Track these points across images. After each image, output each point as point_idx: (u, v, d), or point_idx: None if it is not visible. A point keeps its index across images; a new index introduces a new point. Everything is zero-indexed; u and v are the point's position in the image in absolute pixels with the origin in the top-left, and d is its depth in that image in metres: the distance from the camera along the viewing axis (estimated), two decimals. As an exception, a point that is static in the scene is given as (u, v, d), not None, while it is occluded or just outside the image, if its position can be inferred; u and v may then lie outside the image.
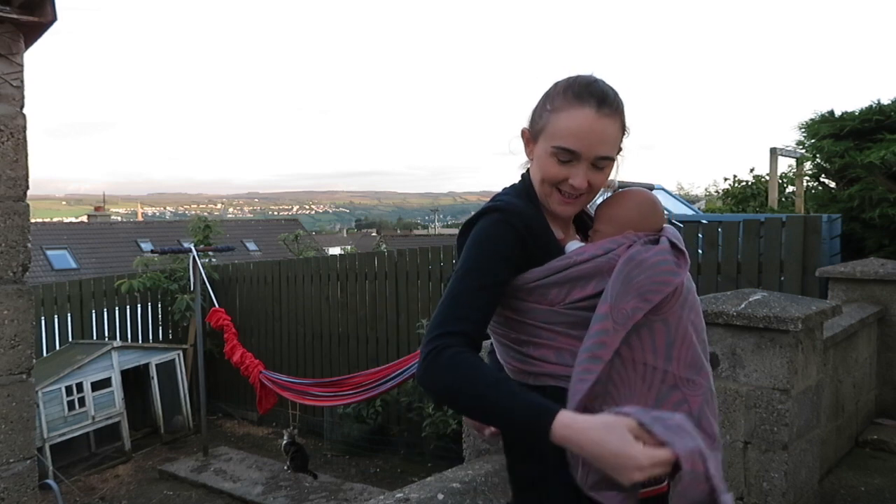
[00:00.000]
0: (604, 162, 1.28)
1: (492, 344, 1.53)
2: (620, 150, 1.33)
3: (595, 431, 1.07)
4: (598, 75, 1.32)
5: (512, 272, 1.26)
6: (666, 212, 1.51)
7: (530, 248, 1.26)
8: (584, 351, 1.22)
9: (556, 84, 1.32)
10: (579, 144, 1.25)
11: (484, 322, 1.23)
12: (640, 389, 1.24)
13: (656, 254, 1.26)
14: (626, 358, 1.23)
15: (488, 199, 1.35)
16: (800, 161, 8.30)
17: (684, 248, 1.31)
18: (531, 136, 1.34)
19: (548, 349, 1.28)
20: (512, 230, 1.25)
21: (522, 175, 1.41)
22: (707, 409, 1.28)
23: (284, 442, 6.44)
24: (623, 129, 1.31)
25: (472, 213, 1.34)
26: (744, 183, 10.02)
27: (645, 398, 1.23)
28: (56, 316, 8.15)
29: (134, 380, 7.61)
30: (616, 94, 1.29)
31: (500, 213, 1.27)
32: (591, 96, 1.25)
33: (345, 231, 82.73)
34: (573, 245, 1.35)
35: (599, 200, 1.42)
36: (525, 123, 1.39)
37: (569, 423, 1.08)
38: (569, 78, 1.31)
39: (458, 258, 1.31)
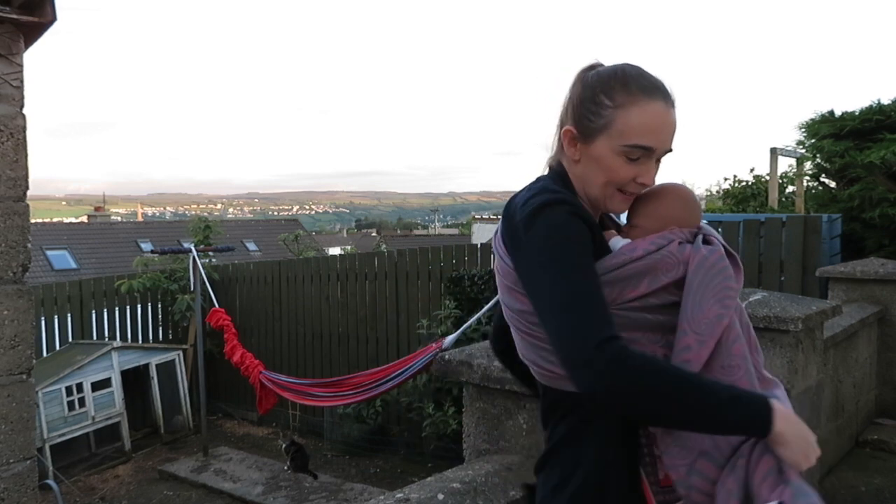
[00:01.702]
0: (665, 154, 1.24)
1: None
2: None
3: (799, 421, 1.12)
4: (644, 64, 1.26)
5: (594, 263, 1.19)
6: None
7: (598, 243, 1.20)
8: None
9: (603, 78, 1.22)
10: (656, 140, 1.19)
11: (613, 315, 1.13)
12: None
13: (721, 258, 1.21)
14: (730, 366, 1.18)
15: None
16: (800, 161, 8.30)
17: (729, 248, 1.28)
18: (580, 136, 1.23)
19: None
20: (584, 223, 1.15)
21: (552, 168, 1.31)
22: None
23: (284, 444, 6.45)
24: None
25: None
26: (744, 183, 10.02)
27: None
28: (56, 316, 8.15)
29: (134, 380, 7.61)
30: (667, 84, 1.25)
31: (568, 205, 1.15)
32: (656, 89, 1.20)
33: (345, 231, 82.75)
34: (619, 241, 1.27)
35: None
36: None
37: (780, 407, 1.10)
38: (615, 70, 1.22)
39: (510, 250, 1.20)
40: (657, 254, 1.19)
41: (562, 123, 1.29)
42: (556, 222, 1.13)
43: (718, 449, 1.14)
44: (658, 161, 1.24)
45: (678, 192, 1.33)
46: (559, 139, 1.29)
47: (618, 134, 1.19)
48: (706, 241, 1.26)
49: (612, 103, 1.19)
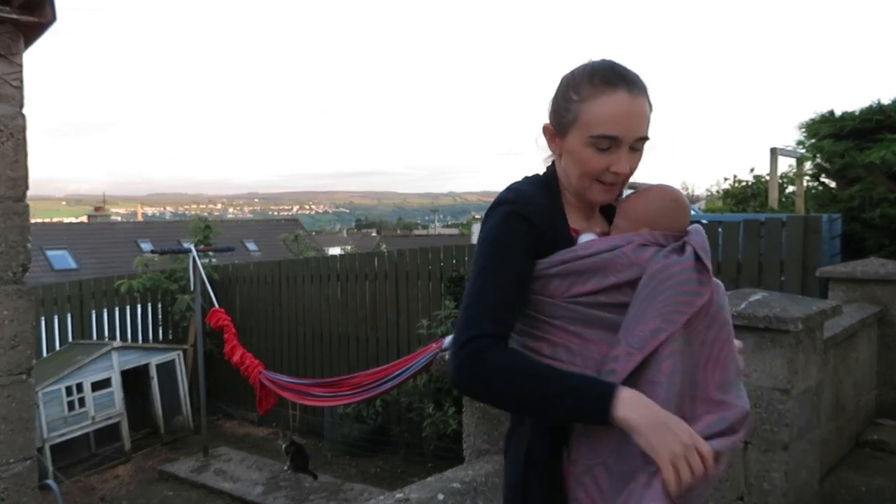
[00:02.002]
0: (640, 143, 1.26)
1: None
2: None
3: (661, 412, 1.09)
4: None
5: (531, 263, 1.23)
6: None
7: (540, 238, 1.24)
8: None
9: (573, 74, 1.29)
10: (619, 129, 1.22)
11: (512, 320, 1.21)
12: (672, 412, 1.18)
13: (683, 270, 1.19)
14: (654, 381, 1.14)
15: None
16: (800, 161, 8.30)
17: (708, 261, 1.22)
18: (556, 131, 1.30)
19: (544, 342, 1.25)
20: (523, 221, 1.23)
21: (547, 168, 1.37)
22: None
23: (284, 444, 6.45)
24: (650, 106, 1.28)
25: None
26: (744, 183, 10.02)
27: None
28: (56, 316, 8.15)
29: (134, 380, 7.61)
30: (640, 76, 1.27)
31: (510, 204, 1.25)
32: (619, 79, 1.23)
33: (345, 231, 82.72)
34: (585, 238, 1.29)
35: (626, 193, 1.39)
36: (544, 119, 1.34)
37: (628, 391, 1.10)
38: (584, 66, 1.28)
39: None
40: (609, 253, 1.21)
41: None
42: (492, 223, 1.24)
43: (620, 463, 1.15)
44: (634, 150, 1.26)
45: (656, 193, 1.32)
46: (548, 145, 1.36)
47: (584, 126, 1.24)
48: (682, 250, 1.23)
49: (578, 97, 1.25)
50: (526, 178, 1.35)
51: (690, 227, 1.30)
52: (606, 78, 1.23)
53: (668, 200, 1.30)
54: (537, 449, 1.26)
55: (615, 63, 1.27)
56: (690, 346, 1.18)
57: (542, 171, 1.39)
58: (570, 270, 1.22)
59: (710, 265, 1.22)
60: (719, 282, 1.27)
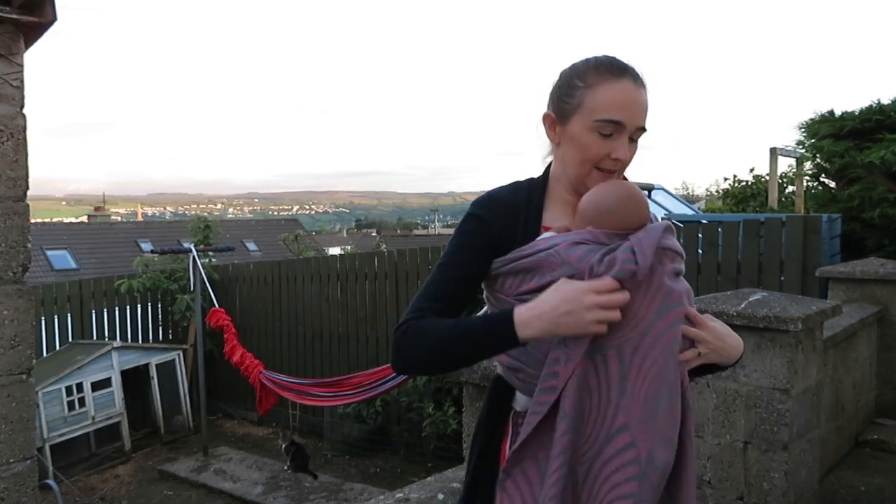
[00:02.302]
0: (639, 133, 1.28)
1: None
2: None
3: (545, 295, 1.15)
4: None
5: (483, 262, 1.30)
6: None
7: (495, 238, 1.28)
8: (540, 381, 1.17)
9: (576, 65, 1.31)
10: (624, 114, 1.24)
11: (450, 310, 1.27)
12: (593, 418, 1.15)
13: (599, 276, 1.15)
14: (582, 385, 1.15)
15: (469, 209, 1.38)
16: (800, 161, 8.30)
17: (636, 268, 1.13)
18: (558, 118, 1.31)
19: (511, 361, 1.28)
20: (477, 221, 1.30)
21: (544, 170, 1.39)
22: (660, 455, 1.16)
23: (284, 444, 6.46)
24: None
25: None
26: (744, 183, 10.03)
27: (598, 431, 1.15)
28: (56, 316, 8.15)
29: (134, 380, 7.61)
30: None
31: (473, 206, 1.34)
32: (624, 69, 1.27)
33: (345, 231, 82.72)
34: (545, 235, 1.27)
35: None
36: (537, 114, 1.36)
37: (522, 308, 1.16)
38: (587, 58, 1.31)
39: None
40: (545, 252, 1.22)
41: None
42: (460, 222, 1.34)
43: (549, 460, 1.16)
44: (633, 140, 1.28)
45: (601, 191, 1.26)
46: (546, 134, 1.37)
47: (589, 111, 1.25)
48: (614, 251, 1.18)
49: (583, 84, 1.27)
50: (517, 181, 1.39)
51: (650, 225, 1.22)
52: (612, 67, 1.26)
53: (614, 197, 1.23)
54: (482, 437, 1.35)
55: (617, 57, 1.30)
56: (621, 354, 1.14)
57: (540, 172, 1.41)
58: (518, 268, 1.25)
59: (644, 265, 1.13)
60: (679, 286, 1.21)
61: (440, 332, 1.22)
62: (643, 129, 1.28)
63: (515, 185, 1.37)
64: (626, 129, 1.25)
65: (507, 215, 1.30)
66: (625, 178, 1.33)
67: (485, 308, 1.38)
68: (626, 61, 1.29)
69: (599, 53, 1.31)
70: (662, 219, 1.31)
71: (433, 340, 1.22)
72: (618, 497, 1.14)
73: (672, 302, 1.17)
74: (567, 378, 1.13)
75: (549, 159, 1.39)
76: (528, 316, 1.15)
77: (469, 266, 1.30)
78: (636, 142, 1.29)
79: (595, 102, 1.25)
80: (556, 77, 1.34)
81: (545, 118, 1.34)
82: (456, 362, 1.26)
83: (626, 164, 1.28)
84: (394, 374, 5.27)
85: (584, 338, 1.13)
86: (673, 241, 1.22)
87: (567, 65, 1.33)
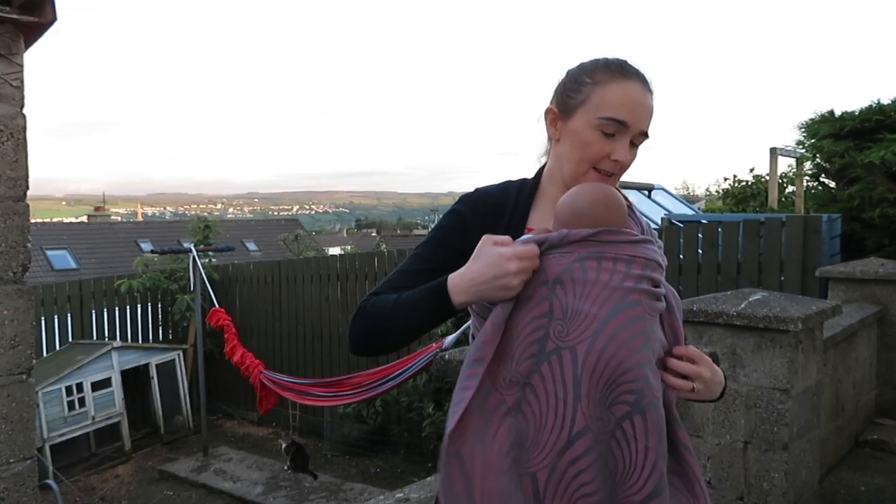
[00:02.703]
0: (641, 139, 1.25)
1: None
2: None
3: (474, 262, 1.16)
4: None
5: (455, 259, 1.25)
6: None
7: (471, 232, 1.25)
8: (469, 353, 1.16)
9: (585, 63, 1.29)
10: (630, 115, 1.22)
11: (402, 288, 1.27)
12: (551, 423, 1.11)
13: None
14: (537, 386, 1.12)
15: (454, 203, 1.38)
16: (800, 161, 8.31)
17: (548, 237, 1.15)
18: (560, 113, 1.29)
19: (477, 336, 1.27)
20: (459, 219, 1.31)
21: (537, 170, 1.37)
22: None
23: (284, 444, 6.46)
24: None
25: None
26: (744, 183, 10.03)
27: (558, 435, 1.10)
28: (56, 316, 8.15)
29: (134, 380, 7.61)
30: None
31: (458, 201, 1.34)
32: (634, 72, 1.25)
33: (345, 231, 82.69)
34: (522, 238, 1.22)
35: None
36: (541, 109, 1.34)
37: (454, 274, 1.18)
38: (597, 58, 1.29)
39: None
40: None
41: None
42: (443, 216, 1.35)
43: (485, 452, 1.14)
44: (634, 145, 1.25)
45: (574, 193, 1.23)
46: (546, 132, 1.35)
47: (594, 107, 1.23)
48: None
49: (591, 80, 1.25)
50: (508, 180, 1.39)
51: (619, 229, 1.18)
52: (622, 68, 1.25)
53: (588, 200, 1.21)
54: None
55: (628, 60, 1.29)
56: (574, 355, 1.11)
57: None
58: None
59: (557, 240, 1.15)
60: (661, 290, 1.19)
61: (381, 306, 1.24)
62: (646, 135, 1.25)
63: (506, 185, 1.36)
64: (629, 131, 1.23)
65: (490, 214, 1.30)
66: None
67: (470, 319, 1.37)
68: (626, 61, 1.27)
69: (609, 55, 1.29)
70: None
71: (375, 315, 1.24)
72: (583, 496, 1.10)
73: (629, 301, 1.13)
74: (494, 345, 1.13)
75: (544, 159, 1.37)
76: (459, 281, 1.16)
77: (437, 262, 1.29)
78: (637, 147, 1.26)
79: (601, 99, 1.22)
80: (563, 75, 1.32)
81: (547, 112, 1.32)
82: (398, 334, 1.26)
83: (624, 167, 1.26)
84: (394, 374, 5.26)
85: (508, 303, 1.14)
86: (646, 250, 1.18)
87: (577, 64, 1.31)
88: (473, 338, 1.32)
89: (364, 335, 1.27)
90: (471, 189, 1.37)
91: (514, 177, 1.39)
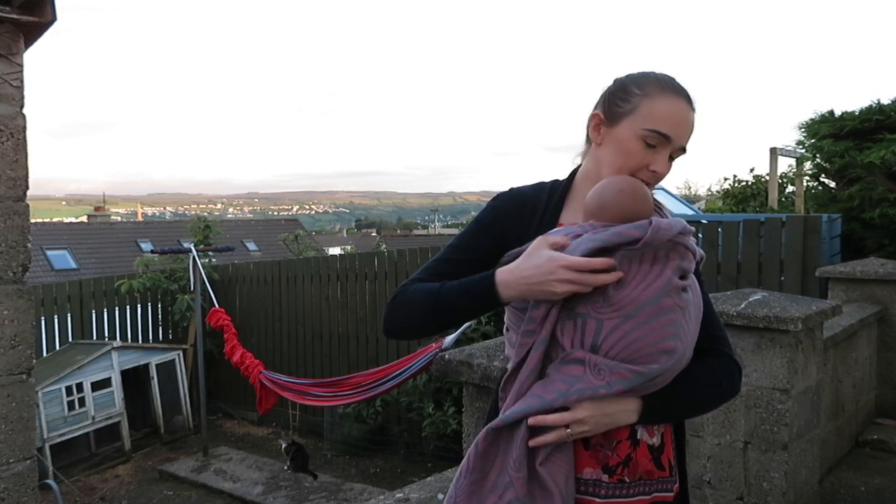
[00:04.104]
0: (679, 153, 1.30)
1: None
2: None
3: (526, 260, 1.20)
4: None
5: (489, 253, 1.35)
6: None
7: (512, 234, 1.33)
8: (522, 326, 1.23)
9: (633, 75, 1.32)
10: (675, 130, 1.26)
11: (442, 277, 1.32)
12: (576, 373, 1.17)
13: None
14: (558, 336, 1.20)
15: (494, 195, 1.43)
16: (800, 161, 8.30)
17: (603, 244, 1.16)
18: (606, 120, 1.31)
19: (512, 335, 1.31)
20: (494, 214, 1.37)
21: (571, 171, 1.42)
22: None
23: (284, 444, 6.45)
24: None
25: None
26: (744, 183, 10.03)
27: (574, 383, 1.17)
28: (56, 316, 8.15)
29: (134, 380, 7.61)
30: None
31: (495, 198, 1.40)
32: (682, 90, 1.29)
33: (345, 231, 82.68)
34: (553, 230, 1.28)
35: None
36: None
37: (503, 269, 1.23)
38: (647, 72, 1.33)
39: None
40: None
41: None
42: (481, 211, 1.40)
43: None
44: (672, 159, 1.30)
45: (602, 185, 1.28)
46: (587, 135, 1.38)
47: (642, 118, 1.27)
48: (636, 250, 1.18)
49: (641, 92, 1.28)
50: (542, 181, 1.44)
51: (655, 219, 1.20)
52: (672, 85, 1.29)
53: (614, 190, 1.26)
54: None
55: (676, 79, 1.33)
56: (599, 328, 1.16)
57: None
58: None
59: (612, 240, 1.17)
60: (683, 283, 1.20)
61: (425, 293, 1.28)
62: (684, 150, 1.30)
63: (540, 185, 1.41)
64: (670, 145, 1.27)
65: (524, 212, 1.36)
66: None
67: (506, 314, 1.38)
68: (683, 84, 1.31)
69: (658, 70, 1.34)
70: None
71: (419, 301, 1.29)
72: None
73: (665, 292, 1.16)
74: (543, 332, 1.20)
75: (579, 160, 1.41)
76: (509, 278, 1.21)
77: (472, 253, 1.35)
78: (673, 161, 1.30)
79: (650, 111, 1.26)
80: (611, 83, 1.36)
81: (592, 117, 1.35)
82: (440, 320, 1.30)
83: (659, 179, 1.30)
84: (394, 374, 5.26)
85: (557, 301, 1.19)
86: (686, 240, 1.23)
87: (626, 74, 1.35)
88: (507, 330, 1.35)
89: (404, 319, 1.32)
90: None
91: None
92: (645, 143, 1.26)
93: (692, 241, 1.25)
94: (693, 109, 1.30)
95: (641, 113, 1.26)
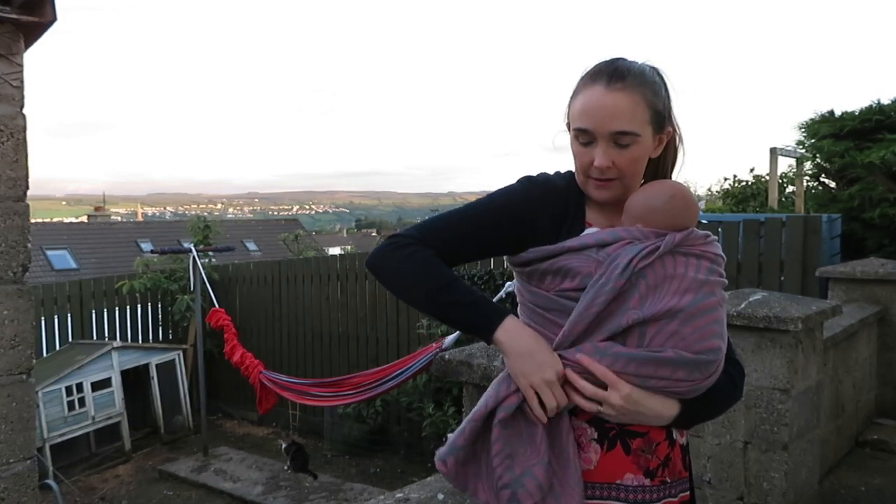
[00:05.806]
0: (625, 138, 1.21)
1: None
2: (668, 130, 1.29)
3: (532, 339, 1.20)
4: (628, 56, 1.29)
5: (513, 228, 1.28)
6: None
7: (541, 220, 1.28)
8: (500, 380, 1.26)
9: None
10: (590, 121, 1.23)
11: (453, 248, 1.27)
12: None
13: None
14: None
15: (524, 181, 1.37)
16: (800, 161, 8.30)
17: (631, 265, 1.17)
18: (567, 125, 1.32)
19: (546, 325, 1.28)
20: (524, 192, 1.30)
21: None
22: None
23: (284, 444, 6.45)
24: (648, 103, 1.23)
25: None
26: (744, 183, 10.03)
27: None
28: (56, 316, 8.15)
29: (134, 380, 7.61)
30: (637, 70, 1.24)
31: (526, 179, 1.33)
32: (602, 74, 1.24)
33: (345, 231, 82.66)
34: (589, 231, 1.28)
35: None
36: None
37: (513, 322, 1.22)
38: (590, 67, 1.31)
39: None
40: (592, 250, 1.24)
41: None
42: (513, 183, 1.33)
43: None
44: (621, 146, 1.23)
45: (652, 190, 1.27)
46: None
47: (572, 119, 1.29)
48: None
49: (573, 93, 1.30)
50: (559, 171, 1.40)
51: (682, 232, 1.22)
52: (594, 73, 1.26)
53: (665, 197, 1.24)
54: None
55: (617, 59, 1.27)
56: (643, 334, 1.18)
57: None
58: (560, 265, 1.25)
59: (632, 267, 1.18)
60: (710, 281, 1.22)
61: (431, 277, 1.22)
62: (626, 134, 1.21)
63: (567, 173, 1.36)
64: (597, 136, 1.23)
65: (553, 197, 1.30)
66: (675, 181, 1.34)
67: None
68: (618, 62, 1.25)
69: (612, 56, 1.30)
70: None
71: (420, 279, 1.23)
72: None
73: (705, 292, 1.20)
74: (508, 395, 1.22)
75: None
76: (513, 333, 1.21)
77: (493, 230, 1.28)
78: (628, 147, 1.22)
79: (574, 111, 1.27)
80: None
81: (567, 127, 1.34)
82: (427, 308, 1.27)
83: (614, 170, 1.24)
84: (394, 374, 5.25)
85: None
86: (713, 247, 1.26)
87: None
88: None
89: (394, 279, 1.27)
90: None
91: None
92: (579, 143, 1.27)
93: (718, 245, 1.28)
94: (618, 88, 1.21)
95: (571, 115, 1.29)
